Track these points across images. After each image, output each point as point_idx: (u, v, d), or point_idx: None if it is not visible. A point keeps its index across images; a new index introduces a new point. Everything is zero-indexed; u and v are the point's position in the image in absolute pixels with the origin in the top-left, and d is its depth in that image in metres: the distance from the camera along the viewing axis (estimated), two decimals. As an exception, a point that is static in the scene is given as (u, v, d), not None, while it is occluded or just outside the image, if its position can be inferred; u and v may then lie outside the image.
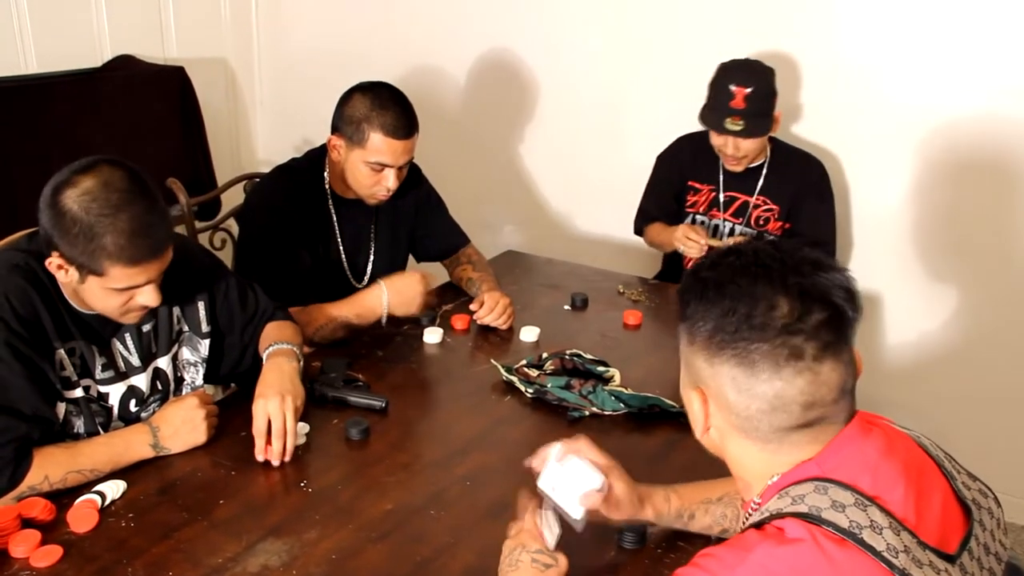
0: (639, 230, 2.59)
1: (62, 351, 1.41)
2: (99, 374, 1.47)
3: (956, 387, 2.55)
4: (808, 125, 2.57)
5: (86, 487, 1.34)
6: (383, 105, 1.90)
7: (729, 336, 0.86)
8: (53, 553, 1.19)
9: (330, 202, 2.05)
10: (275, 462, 1.44)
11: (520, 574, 1.09)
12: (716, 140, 2.32)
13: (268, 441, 1.44)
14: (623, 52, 2.78)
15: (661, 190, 2.52)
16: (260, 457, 1.44)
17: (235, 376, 1.76)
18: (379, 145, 1.90)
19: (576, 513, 1.16)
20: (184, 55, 3.13)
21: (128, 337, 1.52)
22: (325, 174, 2.04)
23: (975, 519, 0.88)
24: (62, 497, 1.31)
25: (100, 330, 1.47)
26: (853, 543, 0.78)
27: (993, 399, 2.51)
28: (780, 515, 0.83)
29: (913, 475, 0.86)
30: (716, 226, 2.47)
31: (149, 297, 1.40)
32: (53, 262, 1.34)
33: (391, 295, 1.88)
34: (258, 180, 2.27)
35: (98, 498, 1.31)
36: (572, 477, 1.17)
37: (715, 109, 2.26)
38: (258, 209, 2.04)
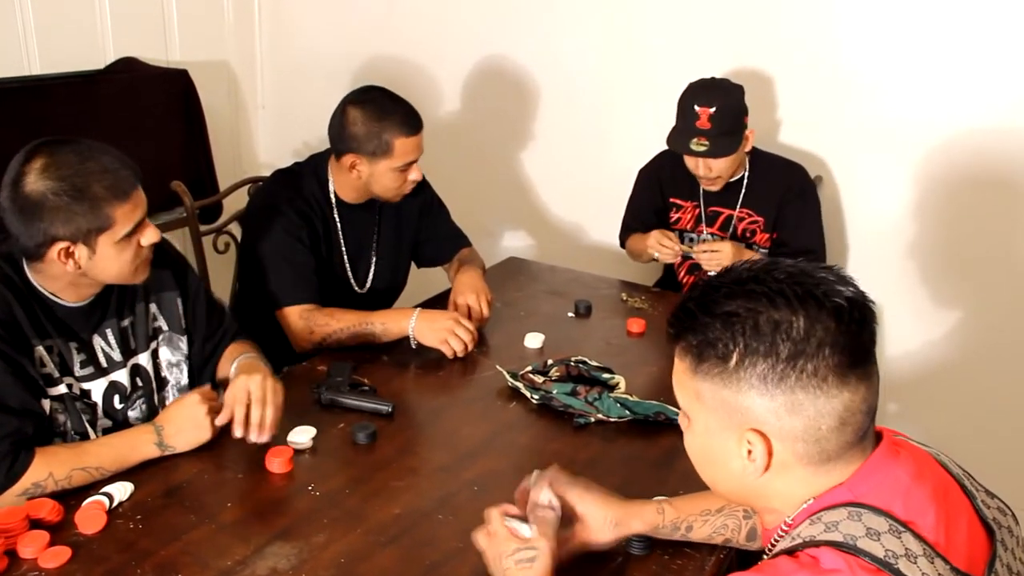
0: (623, 243, 2.58)
1: (41, 348, 1.40)
2: (79, 371, 1.47)
3: (958, 399, 2.55)
4: (806, 137, 2.58)
5: (93, 488, 1.34)
6: (387, 108, 1.93)
7: (791, 358, 0.82)
8: (62, 554, 1.19)
9: (334, 207, 2.06)
10: (253, 436, 1.43)
11: None
12: (688, 162, 2.30)
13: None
14: (625, 58, 2.79)
15: (641, 204, 2.51)
16: (238, 432, 1.43)
17: None
18: (404, 147, 1.94)
19: None
20: (187, 58, 3.13)
21: (109, 333, 1.52)
22: (329, 180, 2.05)
23: (997, 539, 0.88)
24: (69, 498, 1.31)
25: (79, 328, 1.47)
26: (889, 573, 0.78)
27: (996, 410, 2.51)
28: (814, 543, 0.82)
29: (941, 498, 0.86)
30: (705, 241, 2.45)
31: (152, 234, 1.44)
32: (55, 252, 1.34)
33: (420, 320, 1.87)
34: (261, 183, 2.27)
35: (106, 499, 1.30)
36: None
37: (682, 131, 2.24)
38: (263, 209, 2.03)
